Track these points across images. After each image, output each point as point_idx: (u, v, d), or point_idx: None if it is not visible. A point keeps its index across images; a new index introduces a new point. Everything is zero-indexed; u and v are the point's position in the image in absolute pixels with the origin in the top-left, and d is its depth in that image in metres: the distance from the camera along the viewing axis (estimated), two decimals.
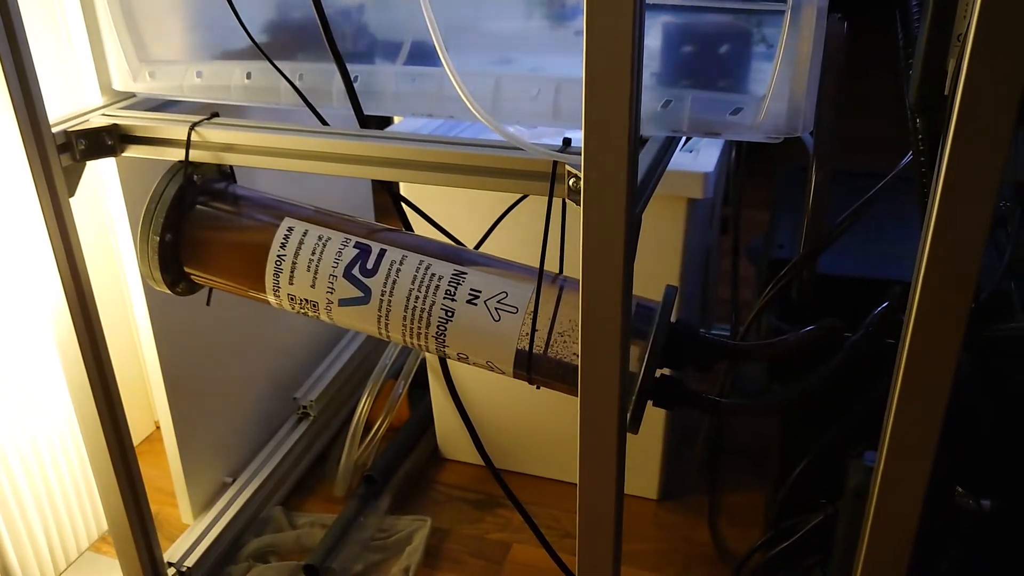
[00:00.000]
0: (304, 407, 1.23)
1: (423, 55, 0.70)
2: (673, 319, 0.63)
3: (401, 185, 0.95)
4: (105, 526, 1.06)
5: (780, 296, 0.79)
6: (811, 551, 0.85)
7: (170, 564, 0.97)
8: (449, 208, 0.88)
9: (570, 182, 0.57)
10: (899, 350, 0.51)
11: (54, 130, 0.69)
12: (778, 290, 0.78)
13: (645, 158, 0.59)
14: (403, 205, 0.79)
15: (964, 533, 0.69)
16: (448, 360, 0.71)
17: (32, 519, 0.95)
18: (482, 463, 1.22)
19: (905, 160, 0.70)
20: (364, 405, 1.16)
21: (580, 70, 0.48)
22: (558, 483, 1.19)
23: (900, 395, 0.52)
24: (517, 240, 0.79)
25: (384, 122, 0.72)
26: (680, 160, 0.93)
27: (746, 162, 1.09)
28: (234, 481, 1.11)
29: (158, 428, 1.28)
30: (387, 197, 0.79)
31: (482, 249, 0.73)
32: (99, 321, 0.75)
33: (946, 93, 0.48)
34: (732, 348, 0.69)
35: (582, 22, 0.65)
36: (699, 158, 0.94)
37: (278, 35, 0.73)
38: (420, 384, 1.24)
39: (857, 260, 0.86)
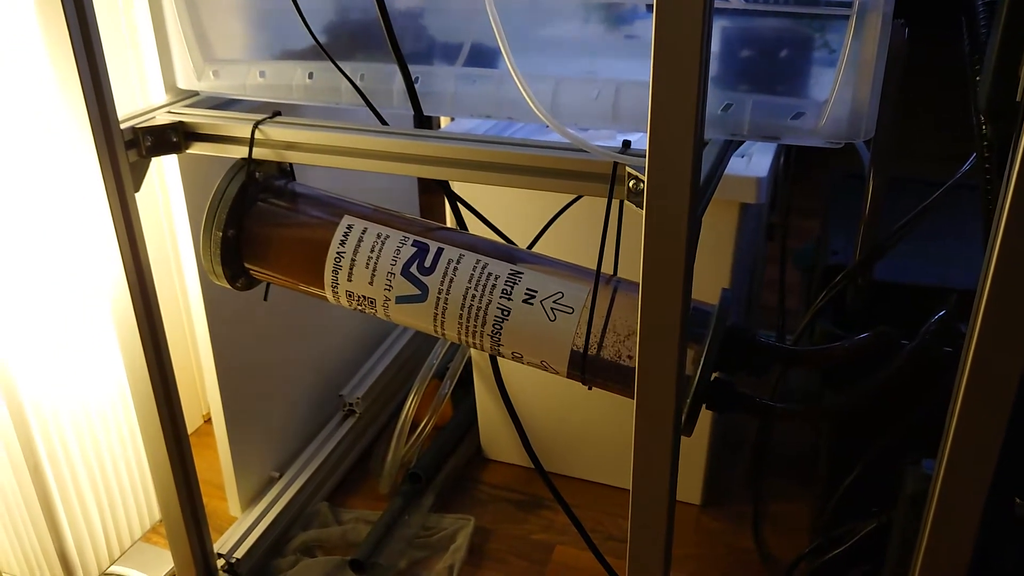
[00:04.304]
0: (350, 404, 1.24)
1: (482, 57, 0.71)
2: None
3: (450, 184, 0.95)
4: (157, 517, 1.08)
5: (834, 302, 0.79)
6: (858, 560, 0.84)
7: (219, 555, 0.99)
8: (497, 208, 0.89)
9: (630, 184, 0.58)
10: (963, 357, 0.50)
11: (122, 127, 0.70)
12: (832, 296, 0.78)
13: (706, 161, 0.59)
14: (457, 203, 0.80)
15: (1022, 544, 0.68)
16: (498, 360, 0.72)
17: (90, 508, 0.97)
18: (525, 464, 1.23)
19: (966, 166, 0.70)
20: (411, 403, 1.17)
21: (637, 73, 0.48)
22: (600, 486, 1.19)
23: (963, 403, 0.51)
24: (565, 240, 0.79)
25: (429, 122, 0.72)
26: (733, 165, 0.92)
27: (794, 169, 1.09)
28: (281, 476, 1.13)
29: (206, 422, 1.31)
30: (432, 196, 0.80)
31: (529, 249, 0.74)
32: (159, 313, 0.76)
33: (1018, 99, 0.47)
34: (787, 353, 0.69)
35: (637, 27, 0.66)
36: (752, 163, 0.93)
37: (340, 36, 0.74)
38: (463, 383, 1.25)
39: (911, 267, 0.85)
